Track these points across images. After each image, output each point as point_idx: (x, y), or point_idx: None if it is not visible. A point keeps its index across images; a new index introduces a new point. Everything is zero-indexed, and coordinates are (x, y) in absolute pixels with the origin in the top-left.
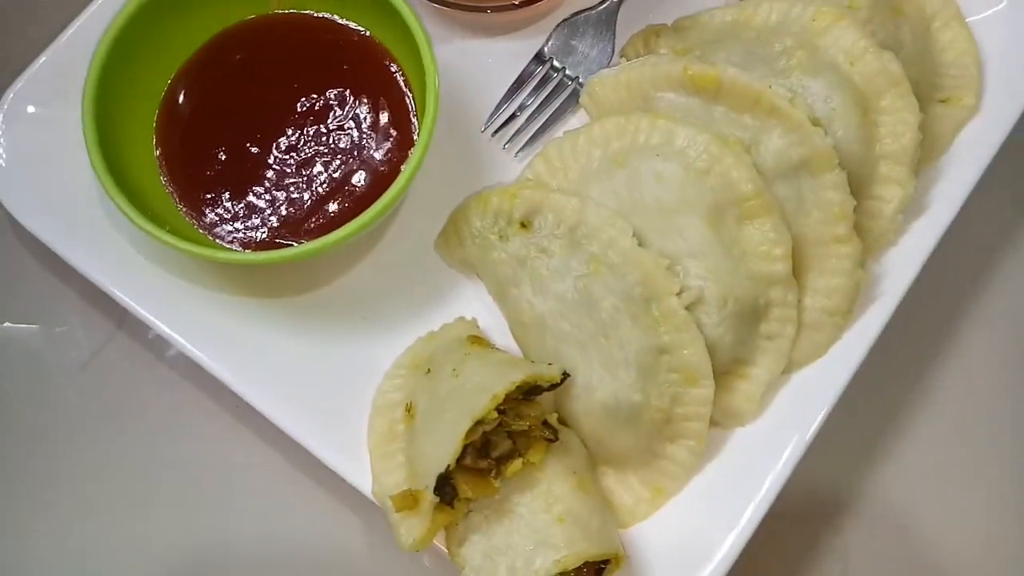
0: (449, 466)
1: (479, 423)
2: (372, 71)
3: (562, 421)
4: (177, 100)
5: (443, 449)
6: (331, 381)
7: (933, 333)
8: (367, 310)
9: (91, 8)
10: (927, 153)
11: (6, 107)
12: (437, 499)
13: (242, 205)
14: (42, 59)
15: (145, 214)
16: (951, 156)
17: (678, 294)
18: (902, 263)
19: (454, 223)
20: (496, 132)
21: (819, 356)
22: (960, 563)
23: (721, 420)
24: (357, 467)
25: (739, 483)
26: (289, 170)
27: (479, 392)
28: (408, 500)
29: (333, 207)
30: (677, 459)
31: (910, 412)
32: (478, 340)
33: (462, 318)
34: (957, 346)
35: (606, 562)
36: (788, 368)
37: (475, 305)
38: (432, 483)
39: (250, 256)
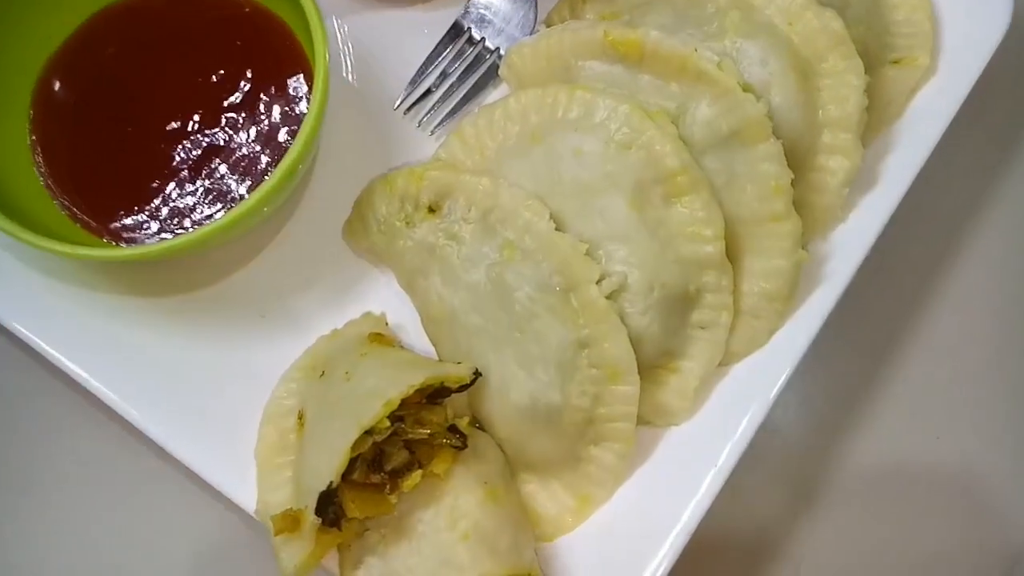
0: (332, 483)
1: (369, 433)
2: (266, 46)
3: (479, 425)
4: (52, 89)
5: (327, 463)
6: (223, 387)
7: (887, 321)
8: (266, 307)
9: None
10: (878, 119)
11: None
12: (319, 520)
13: (129, 197)
14: None
15: (7, 210)
16: (905, 122)
17: (598, 282)
18: (850, 242)
19: (359, 209)
20: (410, 109)
21: (759, 346)
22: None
23: (652, 419)
24: (245, 483)
25: (674, 488)
26: (179, 157)
27: (371, 398)
28: (289, 521)
29: (230, 195)
30: (603, 463)
31: (861, 409)
32: (380, 338)
33: (369, 313)
34: (915, 335)
35: None
36: (725, 360)
37: (388, 299)
38: (313, 502)
39: (129, 251)
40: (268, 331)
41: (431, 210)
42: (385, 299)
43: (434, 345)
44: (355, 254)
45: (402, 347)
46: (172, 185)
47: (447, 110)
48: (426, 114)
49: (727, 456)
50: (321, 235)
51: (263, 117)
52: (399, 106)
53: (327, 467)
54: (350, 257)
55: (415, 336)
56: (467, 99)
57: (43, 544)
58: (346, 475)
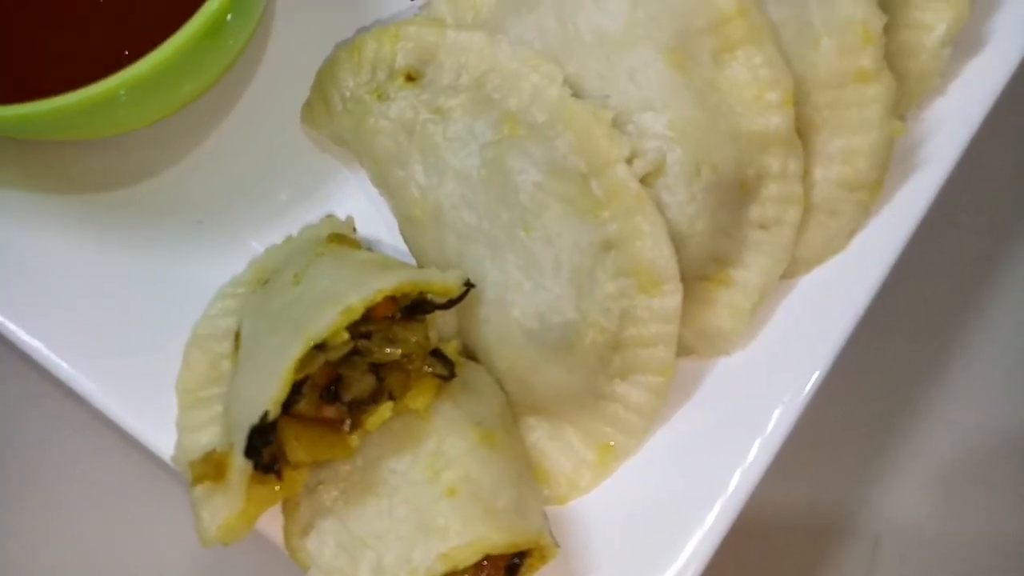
0: (267, 413)
1: (320, 348)
2: None
3: (470, 355)
4: None
5: (262, 389)
6: (146, 307)
7: (994, 236)
8: (204, 211)
9: None
10: None
11: None
12: (250, 464)
13: None
14: None
15: None
16: None
17: (628, 161)
18: (953, 119)
19: (320, 84)
20: None
21: (836, 251)
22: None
23: (696, 346)
24: (165, 423)
25: (724, 436)
26: (77, 6)
27: (324, 303)
28: (211, 466)
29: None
30: (632, 403)
31: (957, 353)
32: (341, 239)
33: (332, 216)
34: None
35: (523, 555)
36: (791, 270)
37: (358, 204)
38: (242, 439)
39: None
40: (206, 241)
41: (410, 78)
42: (355, 204)
43: (415, 255)
44: (317, 147)
45: (370, 250)
46: (56, 35)
47: None
48: None
49: (792, 399)
50: (274, 122)
51: None
52: None
53: (262, 393)
54: (311, 151)
55: (394, 252)
56: None
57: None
58: (289, 405)
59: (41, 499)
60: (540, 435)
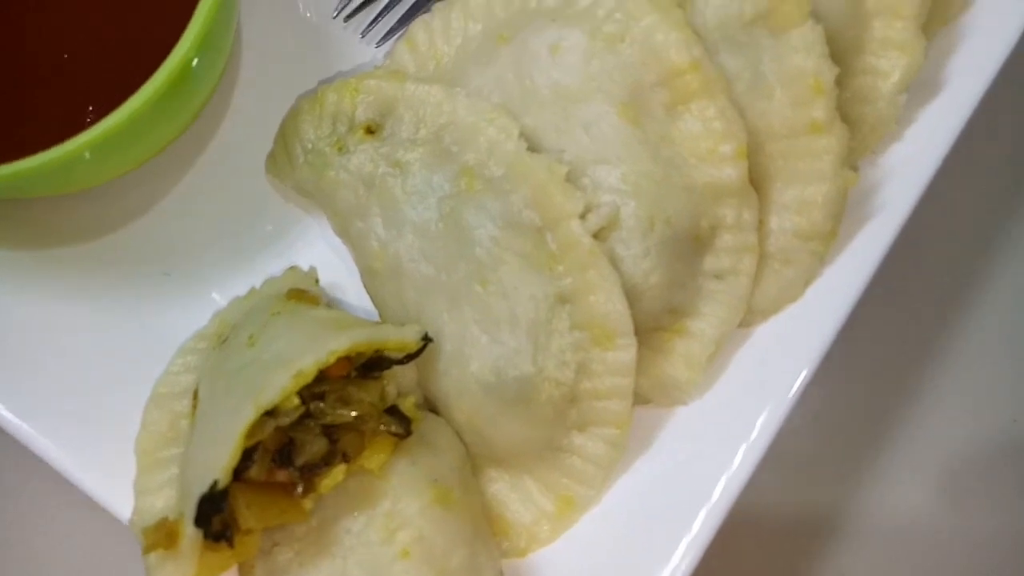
0: (217, 483)
1: (271, 414)
2: None
3: (430, 407)
4: None
5: (213, 456)
6: (109, 361)
7: (957, 271)
8: (170, 263)
9: None
10: (942, 8)
11: None
12: (201, 533)
13: None
14: None
15: None
16: (978, 12)
17: (582, 216)
18: (909, 164)
19: (283, 136)
20: (351, 16)
21: (791, 301)
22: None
23: (653, 396)
24: (125, 484)
25: (682, 487)
26: (40, 65)
27: (276, 367)
28: (163, 534)
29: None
30: (590, 455)
31: (920, 381)
32: (300, 295)
33: (295, 268)
34: (986, 291)
35: None
36: (747, 320)
37: (322, 253)
38: (192, 509)
39: None
40: (172, 293)
41: (369, 131)
42: (319, 253)
43: (376, 306)
44: (282, 197)
45: (329, 306)
46: (26, 99)
47: (397, 16)
48: (372, 22)
49: (752, 442)
50: (240, 173)
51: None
52: (339, 12)
53: (212, 461)
54: (276, 201)
55: (356, 300)
56: (421, 5)
57: None
58: (241, 472)
59: (9, 554)
60: (501, 487)
